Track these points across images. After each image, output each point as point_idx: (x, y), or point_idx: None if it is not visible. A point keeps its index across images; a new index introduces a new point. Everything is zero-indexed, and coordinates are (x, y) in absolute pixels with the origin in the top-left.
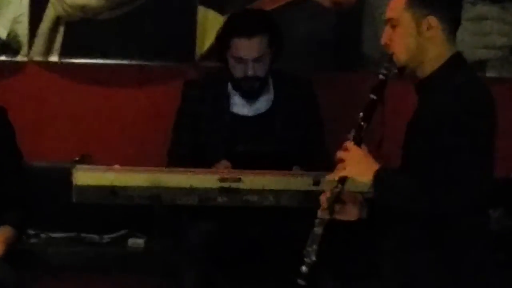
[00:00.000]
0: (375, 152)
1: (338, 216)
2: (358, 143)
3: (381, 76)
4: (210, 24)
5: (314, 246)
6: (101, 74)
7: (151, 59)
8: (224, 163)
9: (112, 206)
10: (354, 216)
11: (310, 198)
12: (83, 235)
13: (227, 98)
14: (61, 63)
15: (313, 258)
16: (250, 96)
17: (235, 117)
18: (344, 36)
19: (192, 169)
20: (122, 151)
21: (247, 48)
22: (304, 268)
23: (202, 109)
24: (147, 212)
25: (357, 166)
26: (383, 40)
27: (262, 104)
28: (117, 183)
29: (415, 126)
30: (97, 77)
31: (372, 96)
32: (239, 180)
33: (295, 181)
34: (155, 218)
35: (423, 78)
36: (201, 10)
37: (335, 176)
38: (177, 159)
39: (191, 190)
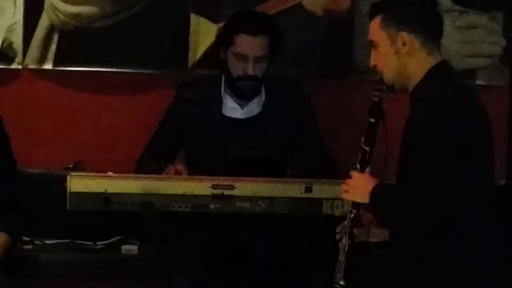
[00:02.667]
0: (382, 169)
1: (370, 239)
2: (363, 167)
3: (375, 98)
4: (202, 32)
5: (341, 273)
6: (95, 82)
7: (144, 67)
8: (177, 166)
9: (106, 212)
10: (384, 236)
11: (303, 205)
12: (77, 241)
13: (220, 100)
14: (55, 70)
15: (342, 283)
16: (244, 97)
17: (226, 119)
18: (335, 43)
19: (185, 176)
20: (116, 158)
21: (252, 45)
22: None
23: (193, 110)
24: (140, 218)
25: (355, 191)
26: (371, 63)
27: (254, 107)
28: (110, 190)
29: (403, 139)
30: (90, 84)
31: (371, 119)
32: (231, 187)
33: (288, 188)
34: (148, 224)
35: (411, 91)
36: (194, 18)
37: (347, 201)
38: (150, 153)
39: (184, 197)
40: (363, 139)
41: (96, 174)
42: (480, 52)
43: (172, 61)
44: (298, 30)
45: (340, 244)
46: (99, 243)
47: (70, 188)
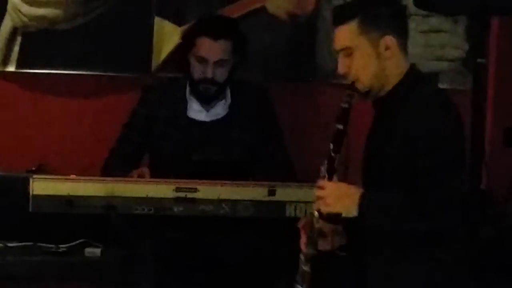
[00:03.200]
0: (342, 175)
1: (321, 248)
2: (331, 175)
3: (345, 104)
4: (166, 35)
5: (305, 285)
6: (58, 84)
7: (108, 70)
8: (140, 170)
9: (69, 215)
10: (336, 246)
11: (266, 208)
12: (40, 244)
13: (185, 103)
14: (18, 73)
15: None
16: (205, 100)
17: (191, 122)
18: (299, 47)
19: (149, 179)
20: (80, 161)
21: (211, 49)
22: None
23: (158, 113)
24: (104, 221)
25: (339, 201)
26: (342, 70)
27: (219, 110)
28: (73, 193)
29: (380, 142)
30: (54, 87)
31: (338, 126)
32: (195, 190)
33: (251, 191)
34: (111, 227)
35: (384, 95)
36: (158, 21)
37: (314, 211)
38: (116, 157)
39: (147, 200)
40: (331, 146)
41: (59, 176)
42: (443, 56)
43: (136, 64)
44: (262, 33)
45: (301, 255)
46: (62, 246)
47: (33, 191)
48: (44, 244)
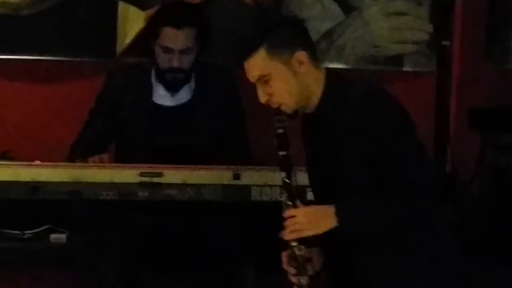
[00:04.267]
0: None
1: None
2: (294, 201)
3: (279, 130)
4: (130, 19)
5: None
6: (23, 70)
7: (73, 55)
8: (98, 157)
9: (33, 201)
10: (318, 266)
11: (231, 192)
12: (5, 231)
13: (150, 88)
14: None
15: None
16: (172, 88)
17: (157, 107)
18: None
19: (113, 164)
20: (45, 147)
21: (176, 38)
22: None
23: (123, 98)
24: (69, 207)
25: (316, 223)
26: (263, 99)
27: (184, 94)
28: (37, 178)
29: (331, 156)
30: (18, 73)
31: (281, 153)
32: (159, 174)
33: (216, 175)
34: (76, 213)
35: (313, 110)
36: (122, 6)
37: (290, 242)
38: (82, 142)
39: (112, 185)
40: (284, 174)
41: (23, 163)
42: (407, 39)
43: (101, 49)
44: (227, 17)
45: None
46: (27, 232)
47: None
48: (9, 231)
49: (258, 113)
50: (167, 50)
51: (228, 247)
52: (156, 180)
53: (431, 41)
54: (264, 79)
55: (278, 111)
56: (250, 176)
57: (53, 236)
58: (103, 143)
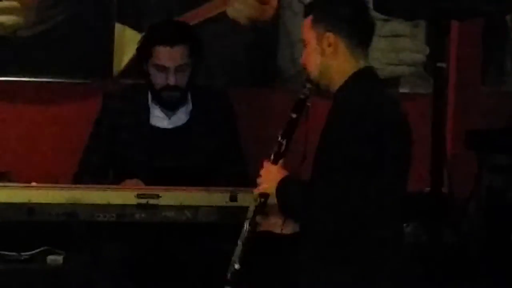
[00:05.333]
0: (298, 167)
1: (262, 228)
2: (276, 159)
3: (301, 95)
4: (127, 41)
5: (237, 257)
6: (19, 92)
7: (70, 77)
8: (136, 181)
9: (30, 223)
10: (279, 228)
11: (228, 214)
12: (2, 252)
13: (147, 110)
14: None
15: (237, 266)
16: (170, 107)
17: (154, 129)
18: (260, 52)
19: (110, 186)
20: (41, 169)
21: (170, 56)
22: (229, 275)
23: (121, 120)
24: (66, 228)
25: (266, 182)
26: (302, 61)
27: (181, 116)
28: (34, 200)
29: (321, 137)
30: (14, 94)
31: (292, 114)
32: (156, 196)
33: (212, 197)
34: (73, 234)
35: (334, 92)
36: (118, 27)
37: (256, 191)
38: (86, 168)
39: (109, 207)
40: (281, 132)
41: (20, 184)
42: (403, 60)
43: (98, 71)
44: (223, 39)
45: (242, 230)
46: (24, 253)
47: None
48: (6, 252)
49: (254, 134)
50: (162, 68)
51: (225, 269)
52: (153, 201)
53: (427, 62)
54: (304, 43)
55: (307, 78)
56: (246, 198)
57: (50, 258)
58: (106, 167)
